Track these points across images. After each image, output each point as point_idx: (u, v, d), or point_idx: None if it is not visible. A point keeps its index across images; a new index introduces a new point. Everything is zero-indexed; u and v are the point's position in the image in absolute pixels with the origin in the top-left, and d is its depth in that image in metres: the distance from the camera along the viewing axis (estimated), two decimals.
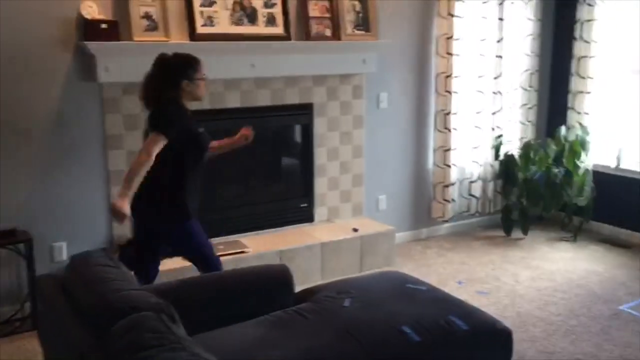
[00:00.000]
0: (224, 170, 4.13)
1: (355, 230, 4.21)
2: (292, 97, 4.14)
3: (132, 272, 2.36)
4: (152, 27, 3.52)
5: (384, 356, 2.22)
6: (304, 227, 4.30)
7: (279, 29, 3.92)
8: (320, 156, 4.33)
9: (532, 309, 3.63)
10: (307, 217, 4.36)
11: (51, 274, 2.22)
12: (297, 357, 2.14)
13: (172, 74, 2.82)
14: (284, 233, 4.19)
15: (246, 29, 3.81)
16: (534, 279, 4.07)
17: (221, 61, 3.71)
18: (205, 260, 2.99)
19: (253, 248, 3.86)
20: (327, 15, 4.10)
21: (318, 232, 4.19)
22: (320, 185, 4.37)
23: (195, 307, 2.42)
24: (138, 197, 2.71)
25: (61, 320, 1.82)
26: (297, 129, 4.34)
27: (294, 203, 4.34)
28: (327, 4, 4.10)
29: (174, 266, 3.46)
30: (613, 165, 4.78)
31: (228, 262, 3.62)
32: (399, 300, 2.55)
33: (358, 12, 4.20)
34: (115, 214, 2.67)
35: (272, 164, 4.38)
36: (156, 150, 2.69)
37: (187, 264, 3.19)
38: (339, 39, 4.13)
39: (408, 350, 2.25)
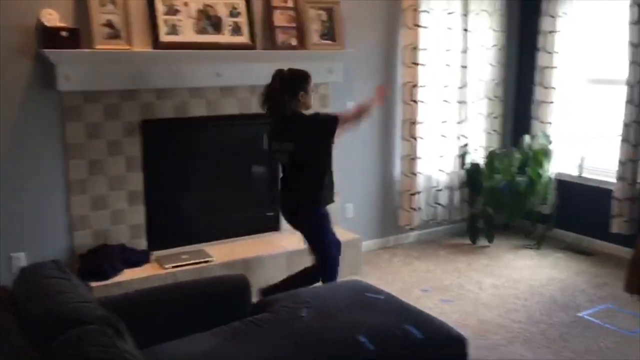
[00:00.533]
0: (188, 179, 4.12)
1: None
2: (258, 106, 4.13)
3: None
4: (114, 35, 3.49)
5: None
6: (271, 236, 4.30)
7: (244, 38, 3.92)
8: None
9: (494, 316, 3.67)
10: (273, 225, 4.36)
11: (2, 286, 2.18)
12: None
13: (291, 87, 3.30)
14: (250, 242, 4.18)
15: (211, 38, 3.80)
16: (497, 286, 4.12)
17: (186, 70, 3.72)
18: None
19: (218, 257, 3.84)
20: (293, 24, 4.12)
21: (284, 241, 4.19)
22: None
23: (152, 318, 2.41)
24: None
25: (6, 334, 1.79)
26: (264, 138, 4.33)
27: (260, 212, 4.34)
28: (292, 13, 4.12)
29: (135, 276, 3.44)
30: (575, 173, 4.87)
31: (191, 272, 3.62)
32: (357, 309, 2.56)
33: (324, 22, 4.23)
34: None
35: (239, 172, 4.37)
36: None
37: (151, 273, 3.18)
38: (305, 48, 4.15)
39: (363, 359, 2.26)
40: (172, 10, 3.69)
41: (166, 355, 2.07)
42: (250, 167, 4.39)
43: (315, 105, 4.32)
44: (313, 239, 3.52)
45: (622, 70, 4.33)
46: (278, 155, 3.49)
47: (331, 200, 3.53)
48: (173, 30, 3.68)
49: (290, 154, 3.35)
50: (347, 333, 2.35)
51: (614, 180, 4.46)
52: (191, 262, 3.71)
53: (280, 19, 4.06)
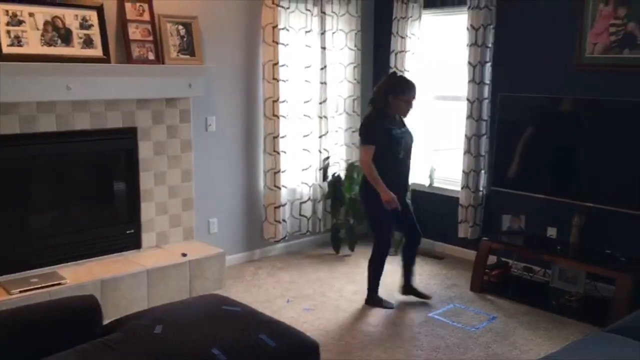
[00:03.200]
0: (35, 197, 3.91)
1: (184, 255, 4.17)
2: (114, 121, 4.03)
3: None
4: None
5: None
6: (130, 254, 4.17)
7: (96, 51, 3.80)
8: (146, 181, 4.24)
9: (353, 321, 3.83)
10: (133, 243, 4.24)
11: None
12: None
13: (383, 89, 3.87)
14: (108, 261, 4.04)
15: (60, 50, 3.65)
16: (356, 292, 4.30)
17: (32, 82, 3.53)
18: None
19: (71, 279, 3.67)
20: (150, 38, 4.06)
21: (144, 259, 4.09)
22: (147, 210, 4.27)
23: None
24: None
25: None
26: (121, 154, 4.22)
27: (119, 230, 4.20)
28: (149, 27, 4.06)
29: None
30: (427, 183, 5.22)
31: (41, 296, 3.42)
32: (213, 323, 2.57)
33: (182, 37, 4.21)
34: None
35: (94, 189, 4.20)
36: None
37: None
38: (163, 62, 4.10)
39: None
40: (15, 21, 3.49)
41: None
42: (107, 183, 4.24)
43: (174, 120, 4.32)
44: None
45: (463, 87, 4.73)
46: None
47: None
48: (17, 41, 3.49)
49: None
50: (201, 346, 2.36)
51: (459, 188, 4.85)
52: (41, 285, 3.51)
53: (135, 32, 3.98)
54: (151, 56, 4.06)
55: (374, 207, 3.90)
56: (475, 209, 4.80)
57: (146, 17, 4.05)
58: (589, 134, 4.11)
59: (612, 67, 4.08)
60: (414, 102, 3.93)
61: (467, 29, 4.64)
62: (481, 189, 4.81)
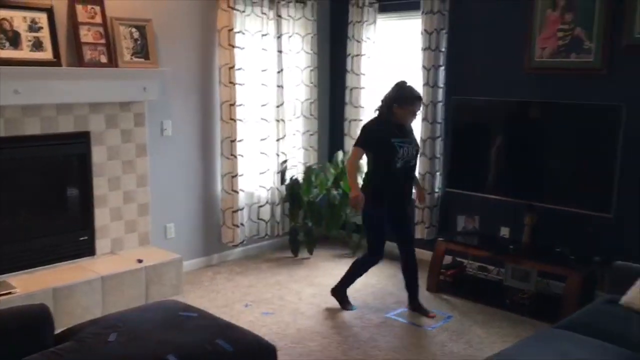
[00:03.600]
0: None
1: (139, 261, 4.10)
2: (66, 125, 3.94)
3: None
4: None
5: None
6: (84, 262, 4.09)
7: (46, 54, 3.72)
8: (100, 186, 4.16)
9: (312, 324, 3.84)
10: (87, 250, 4.15)
11: None
12: None
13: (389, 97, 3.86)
14: (61, 269, 3.94)
15: (8, 54, 3.55)
16: (315, 295, 4.32)
17: None
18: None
19: (22, 288, 3.57)
20: (102, 41, 3.99)
21: (99, 266, 4.01)
22: (101, 216, 4.20)
23: None
24: None
25: None
26: (73, 159, 4.13)
27: (72, 236, 4.10)
28: (101, 30, 3.99)
29: None
30: None
31: None
32: (169, 329, 2.54)
33: (136, 40, 4.15)
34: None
35: (46, 196, 4.10)
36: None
37: None
38: (116, 65, 4.04)
39: None
40: None
41: None
42: (59, 189, 4.14)
43: (129, 124, 4.26)
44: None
45: (418, 91, 4.79)
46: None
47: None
48: None
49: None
50: (157, 353, 2.33)
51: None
52: None
53: (87, 35, 3.91)
54: (104, 59, 3.99)
55: (363, 214, 3.93)
56: (431, 210, 4.88)
57: (98, 19, 3.97)
58: (539, 136, 4.24)
59: (560, 71, 4.21)
60: (418, 111, 3.91)
61: (421, 33, 4.72)
62: (437, 190, 4.90)
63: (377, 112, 3.93)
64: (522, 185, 4.29)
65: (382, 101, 3.89)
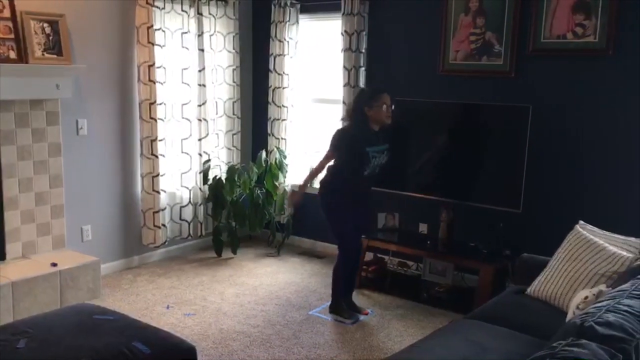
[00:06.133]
0: None
1: (53, 264, 3.95)
2: None
3: None
4: None
5: None
6: None
7: None
8: (10, 188, 3.98)
9: (234, 324, 3.83)
10: None
11: None
12: None
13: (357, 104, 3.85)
14: None
15: None
16: (238, 295, 4.30)
17: None
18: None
19: None
20: (11, 36, 3.82)
21: (9, 271, 3.83)
22: (11, 219, 4.01)
23: None
24: None
25: None
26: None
27: None
28: (10, 24, 3.81)
29: None
30: None
31: None
32: (82, 333, 2.48)
33: (48, 35, 4.00)
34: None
35: None
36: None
37: None
38: (26, 61, 3.87)
39: None
40: None
41: None
42: None
43: (41, 122, 4.09)
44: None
45: (340, 91, 4.89)
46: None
47: None
48: None
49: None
50: (69, 358, 2.27)
51: None
52: None
53: None
54: (13, 55, 3.82)
55: (332, 216, 3.90)
56: None
57: (6, 13, 3.80)
58: (453, 135, 4.41)
59: (473, 73, 4.40)
60: (390, 102, 3.82)
61: (342, 34, 4.80)
62: None
63: (349, 122, 3.90)
64: (438, 184, 4.45)
65: (353, 110, 3.86)
